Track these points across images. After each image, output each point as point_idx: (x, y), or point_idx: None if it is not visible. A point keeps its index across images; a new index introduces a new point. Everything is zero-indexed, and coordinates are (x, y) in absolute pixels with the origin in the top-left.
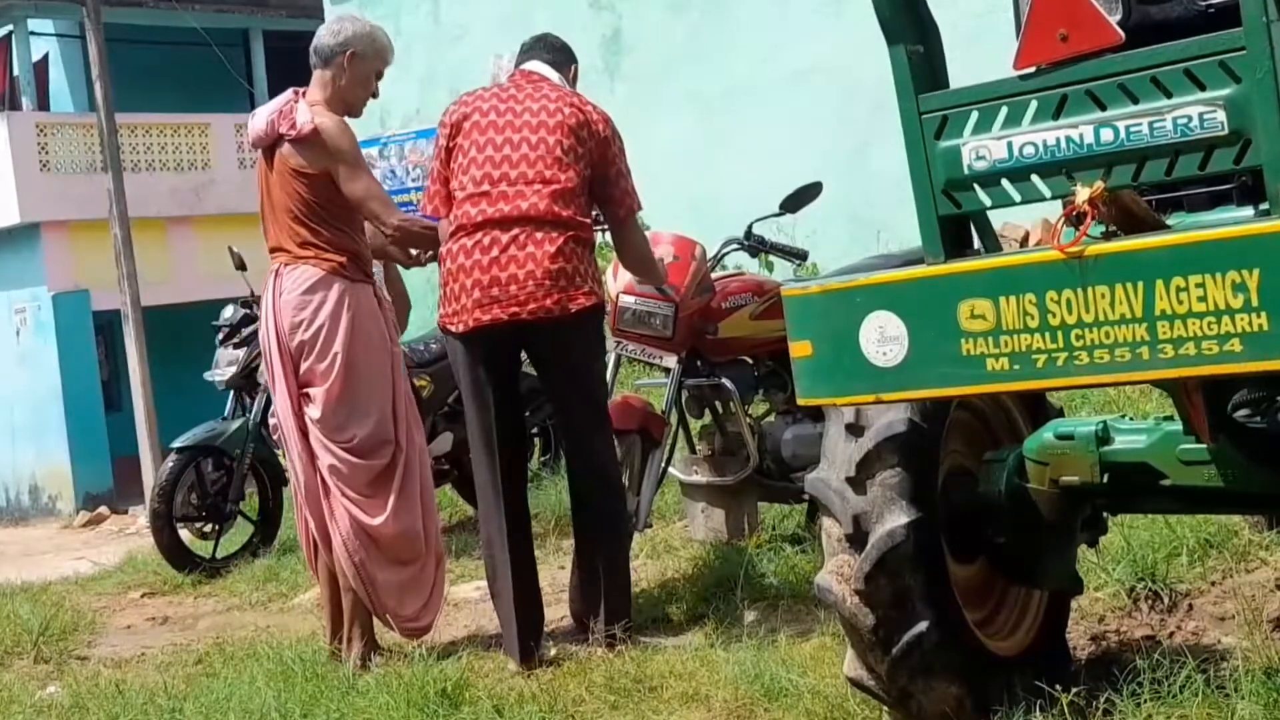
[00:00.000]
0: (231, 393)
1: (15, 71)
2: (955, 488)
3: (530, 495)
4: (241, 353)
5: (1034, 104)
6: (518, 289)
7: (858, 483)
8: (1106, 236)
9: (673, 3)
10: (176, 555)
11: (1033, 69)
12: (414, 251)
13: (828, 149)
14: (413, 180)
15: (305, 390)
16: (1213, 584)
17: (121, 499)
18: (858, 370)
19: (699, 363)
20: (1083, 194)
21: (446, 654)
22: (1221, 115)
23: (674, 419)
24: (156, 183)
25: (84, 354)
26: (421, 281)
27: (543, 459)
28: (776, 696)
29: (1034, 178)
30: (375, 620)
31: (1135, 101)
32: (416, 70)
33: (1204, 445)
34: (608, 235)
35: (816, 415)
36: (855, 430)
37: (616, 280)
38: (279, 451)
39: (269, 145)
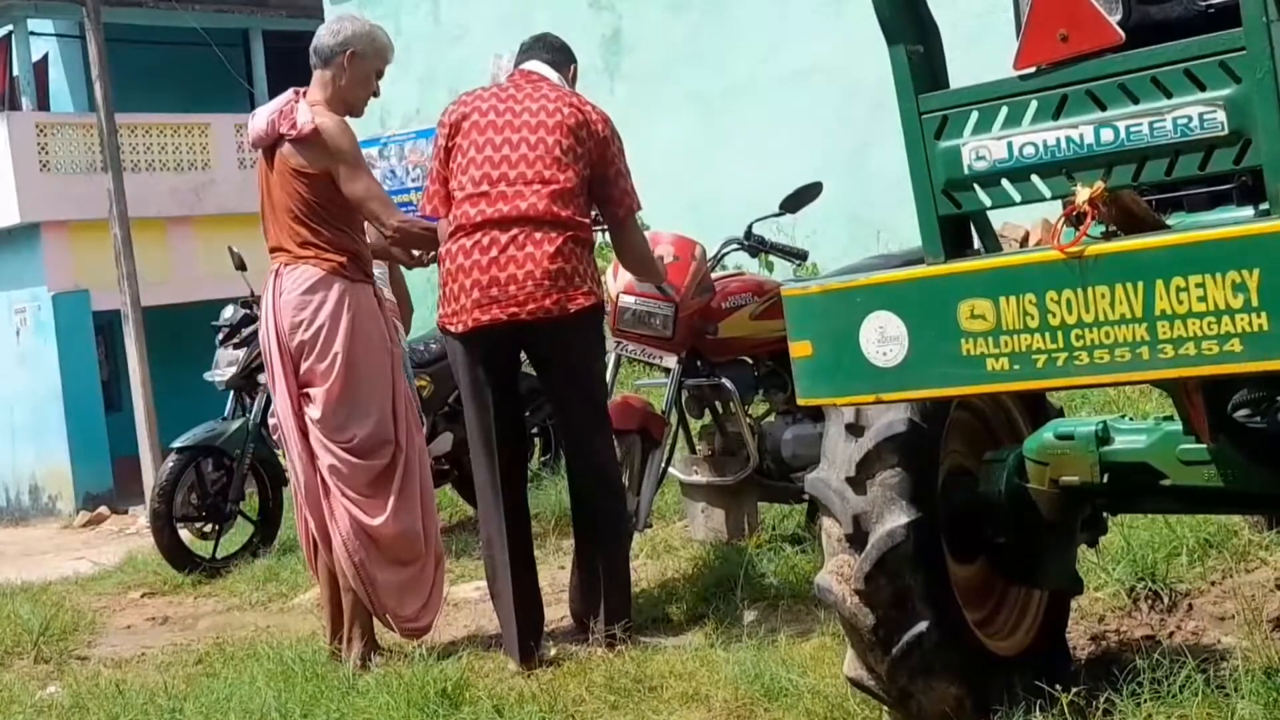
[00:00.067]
0: (231, 393)
1: (15, 71)
2: (955, 488)
3: (530, 495)
4: (241, 353)
5: (1034, 104)
6: (517, 289)
7: (858, 483)
8: (1106, 236)
9: (673, 3)
10: (176, 555)
11: (1033, 69)
12: (415, 252)
13: (828, 149)
14: (413, 180)
15: (305, 390)
16: (1213, 584)
17: (121, 499)
18: (858, 370)
19: (699, 363)
20: (1083, 194)
21: (446, 654)
22: (1221, 115)
23: (674, 419)
24: (156, 183)
25: (84, 354)
26: (421, 281)
27: (543, 459)
28: (776, 696)
29: (1034, 178)
30: (375, 620)
31: (1135, 101)
32: (416, 70)
33: (1204, 445)
34: (608, 235)
35: (816, 415)
36: (855, 430)
37: (616, 280)
38: (279, 451)
39: (269, 145)
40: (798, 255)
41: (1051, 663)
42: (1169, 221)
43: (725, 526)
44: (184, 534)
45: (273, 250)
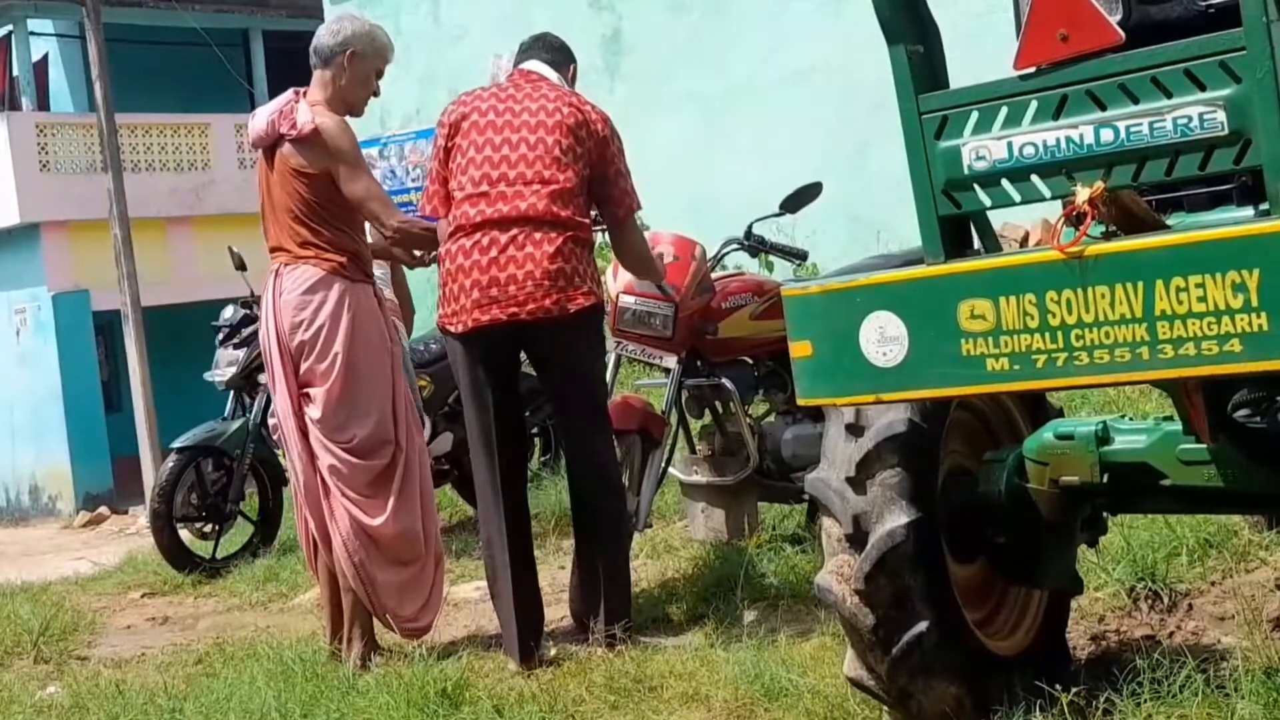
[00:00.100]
0: (231, 393)
1: (15, 71)
2: (955, 488)
3: (530, 495)
4: (241, 353)
5: (1034, 104)
6: (516, 289)
7: (858, 483)
8: (1106, 236)
9: (673, 3)
10: (176, 555)
11: (1033, 69)
12: (417, 252)
13: (828, 149)
14: (413, 180)
15: (305, 390)
16: (1213, 584)
17: (121, 499)
18: (858, 370)
19: (699, 363)
20: (1083, 194)
21: (446, 654)
22: (1221, 115)
23: (674, 419)
24: (156, 183)
25: (84, 354)
26: (421, 281)
27: (543, 459)
28: (776, 696)
29: (1034, 178)
30: (375, 620)
31: (1135, 101)
32: (416, 70)
33: (1204, 445)
34: (607, 235)
35: (816, 415)
36: (855, 430)
37: (616, 280)
38: (279, 451)
39: (269, 145)
40: (798, 255)
41: (1051, 663)
42: (1169, 221)
43: (725, 526)
44: (184, 534)
45: (273, 250)
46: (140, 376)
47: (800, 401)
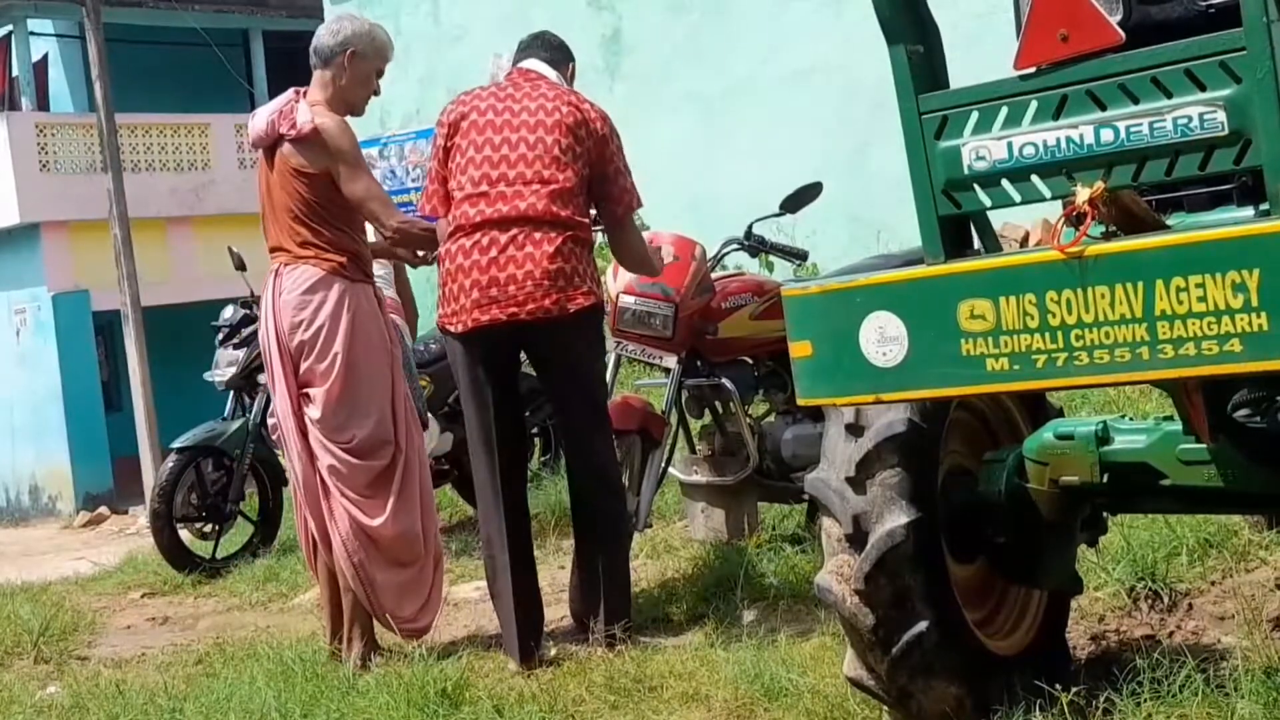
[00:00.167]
0: (231, 393)
1: (15, 71)
2: (955, 488)
3: (530, 495)
4: (241, 353)
5: (1034, 104)
6: (516, 289)
7: (858, 483)
8: (1106, 236)
9: (673, 3)
10: (176, 555)
11: (1033, 69)
12: (419, 252)
13: (828, 149)
14: (413, 180)
15: (305, 390)
16: (1213, 584)
17: (121, 499)
18: (858, 370)
19: (699, 363)
20: (1083, 194)
21: (446, 654)
22: (1221, 115)
23: (674, 419)
24: (156, 183)
25: (84, 354)
26: (422, 281)
27: (543, 459)
28: (776, 696)
29: (1034, 178)
30: (375, 620)
31: (1135, 102)
32: (416, 70)
33: (1204, 445)
34: (605, 234)
35: (816, 415)
36: (855, 430)
37: (616, 281)
38: (279, 452)
39: (269, 145)
40: (798, 255)
41: (1051, 662)
42: (1169, 221)
43: (725, 526)
44: (184, 534)
45: (273, 250)
46: (140, 376)
47: (800, 401)
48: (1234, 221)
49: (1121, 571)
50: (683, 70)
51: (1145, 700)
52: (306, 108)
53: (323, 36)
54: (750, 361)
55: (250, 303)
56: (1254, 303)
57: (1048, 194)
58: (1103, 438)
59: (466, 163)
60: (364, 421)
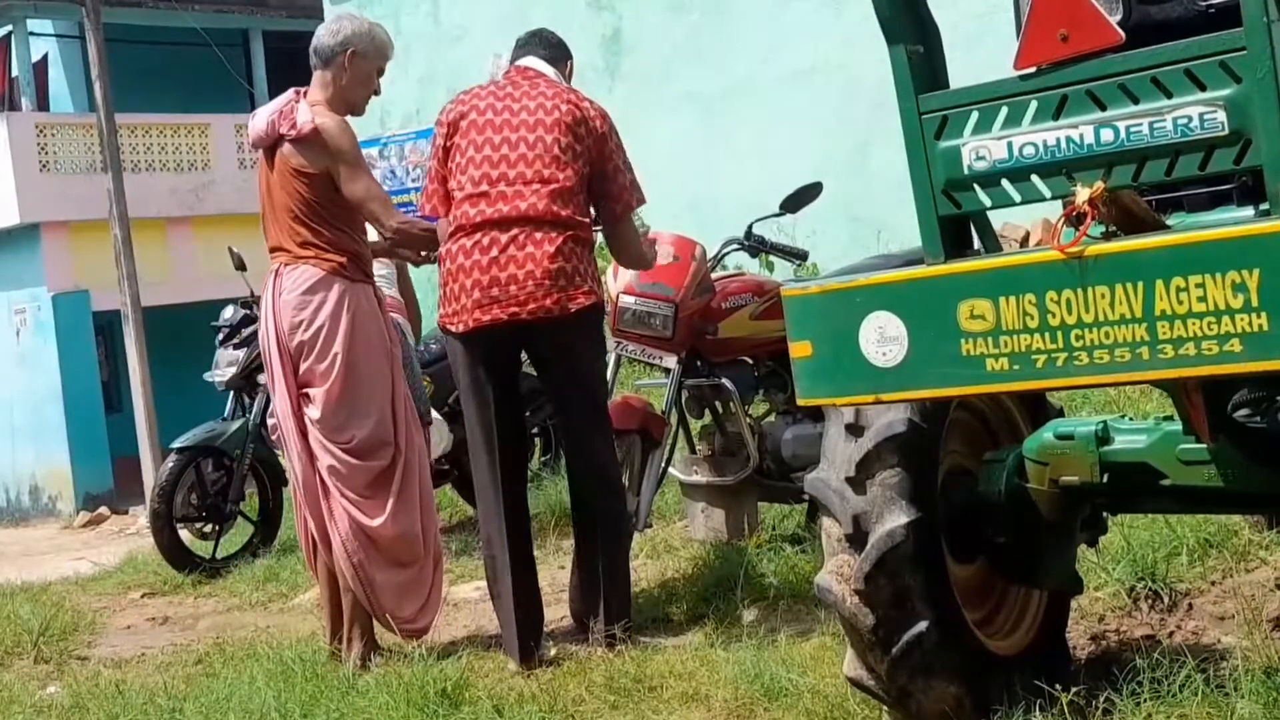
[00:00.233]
0: (231, 393)
1: (15, 72)
2: (955, 488)
3: (530, 495)
4: (241, 353)
5: (1034, 104)
6: (517, 289)
7: (857, 483)
8: (1106, 236)
9: (673, 3)
10: (176, 555)
11: (1033, 69)
12: (421, 252)
13: (828, 149)
14: (413, 180)
15: (305, 391)
16: (1213, 584)
17: (121, 499)
18: (857, 370)
19: (699, 363)
20: (1083, 194)
21: (446, 654)
22: (1222, 115)
23: (674, 419)
24: (156, 183)
25: (84, 354)
26: (422, 281)
27: (543, 459)
28: (776, 696)
29: (1034, 178)
30: (375, 620)
31: (1135, 101)
32: (416, 70)
33: (1204, 445)
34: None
35: (816, 415)
36: (855, 430)
37: (616, 281)
38: (279, 452)
39: (270, 145)
40: (798, 255)
41: (1051, 662)
42: (1169, 221)
43: (725, 526)
44: (184, 534)
45: (273, 250)
46: (140, 376)
47: (800, 401)
48: (1234, 221)
49: (1121, 571)
50: (683, 70)
51: (1145, 700)
52: (307, 108)
53: (323, 36)
54: (750, 361)
55: (250, 303)
56: (1254, 303)
57: (1048, 194)
58: (1103, 438)
59: (466, 162)
60: (364, 422)
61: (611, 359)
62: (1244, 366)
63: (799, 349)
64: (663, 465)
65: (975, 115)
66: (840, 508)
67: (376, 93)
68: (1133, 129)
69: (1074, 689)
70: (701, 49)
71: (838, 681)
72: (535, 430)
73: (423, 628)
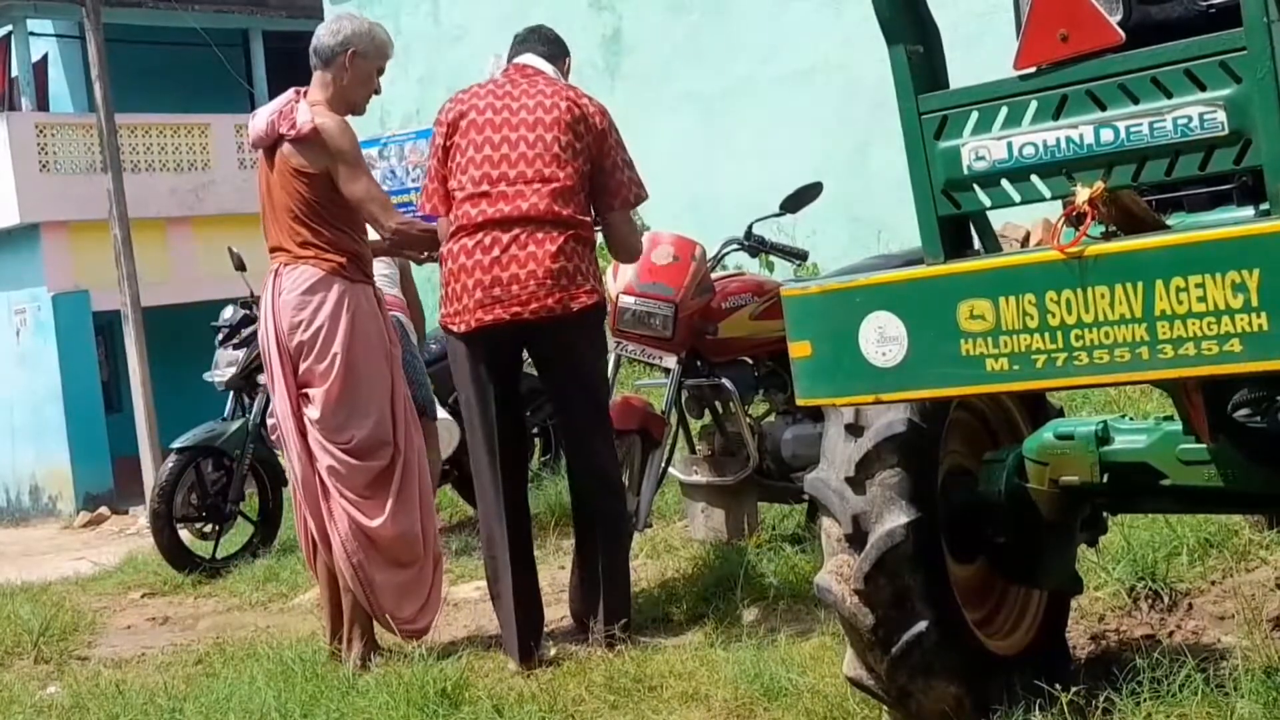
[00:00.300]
0: (231, 393)
1: (15, 72)
2: (955, 488)
3: (530, 495)
4: (241, 353)
5: (1034, 104)
6: (519, 289)
7: (857, 483)
8: (1106, 236)
9: (673, 3)
10: (176, 555)
11: (1033, 69)
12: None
13: (828, 149)
14: (413, 180)
15: (304, 391)
16: (1213, 583)
17: (121, 499)
18: (857, 370)
19: (699, 363)
20: (1083, 194)
21: (446, 654)
22: (1222, 115)
23: (674, 419)
24: (156, 183)
25: (84, 354)
26: (423, 281)
27: (543, 459)
28: (776, 696)
29: (1034, 178)
30: (375, 621)
31: (1135, 102)
32: (416, 70)
33: (1204, 445)
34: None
35: (816, 415)
36: (855, 430)
37: (617, 281)
38: (279, 452)
39: (269, 145)
40: (798, 255)
41: (1051, 662)
42: (1169, 221)
43: (725, 526)
44: (184, 534)
45: (273, 250)
46: (140, 376)
47: (800, 401)
48: (1234, 221)
49: (1121, 571)
50: (683, 70)
51: (1145, 700)
52: (307, 108)
53: (323, 36)
54: (750, 361)
55: (250, 303)
56: (1254, 303)
57: (1048, 194)
58: (1103, 438)
59: (467, 162)
60: (363, 422)
61: (611, 359)
62: (1244, 366)
63: (799, 349)
64: (663, 465)
65: (975, 115)
66: (840, 508)
67: (377, 92)
68: (1133, 129)
69: (1074, 689)
70: (701, 49)
71: (837, 681)
72: (535, 430)
73: (423, 628)
